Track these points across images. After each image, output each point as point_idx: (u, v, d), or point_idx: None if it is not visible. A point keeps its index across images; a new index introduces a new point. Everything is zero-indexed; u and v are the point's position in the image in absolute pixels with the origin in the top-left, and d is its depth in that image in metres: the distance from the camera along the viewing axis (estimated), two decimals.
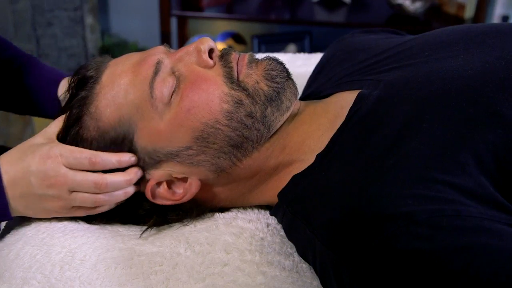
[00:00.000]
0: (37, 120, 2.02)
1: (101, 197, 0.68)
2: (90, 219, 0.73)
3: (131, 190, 0.70)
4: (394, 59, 0.74)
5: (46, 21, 2.19)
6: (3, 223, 0.80)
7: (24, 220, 0.76)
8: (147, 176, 0.70)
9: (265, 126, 0.69)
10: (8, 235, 0.74)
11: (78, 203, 0.69)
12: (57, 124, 0.71)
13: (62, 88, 0.89)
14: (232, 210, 0.76)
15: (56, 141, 0.70)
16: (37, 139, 0.70)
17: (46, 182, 0.66)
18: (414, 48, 0.74)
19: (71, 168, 0.67)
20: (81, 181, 0.67)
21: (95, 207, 0.70)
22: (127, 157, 0.69)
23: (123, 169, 0.69)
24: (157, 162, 0.69)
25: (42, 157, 0.67)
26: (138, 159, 0.69)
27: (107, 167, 0.68)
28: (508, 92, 0.60)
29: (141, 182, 0.71)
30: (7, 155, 0.69)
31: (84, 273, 0.65)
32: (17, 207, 0.69)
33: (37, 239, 0.70)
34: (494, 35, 0.70)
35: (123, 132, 0.68)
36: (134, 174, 0.69)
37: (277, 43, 2.31)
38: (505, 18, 2.14)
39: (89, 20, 2.25)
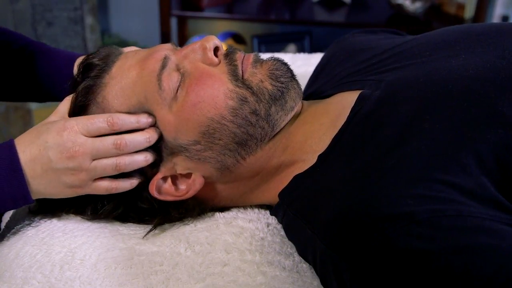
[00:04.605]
0: (37, 120, 2.02)
1: (121, 161, 0.67)
2: (96, 212, 0.73)
3: (150, 157, 0.69)
4: (395, 59, 0.74)
5: (46, 21, 2.18)
6: (3, 223, 0.80)
7: (24, 220, 0.76)
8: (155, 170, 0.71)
9: (269, 125, 0.70)
10: (8, 234, 0.74)
11: (99, 172, 0.67)
12: (66, 102, 0.72)
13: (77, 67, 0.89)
14: (232, 209, 0.76)
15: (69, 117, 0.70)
16: (51, 118, 0.70)
17: (65, 154, 0.65)
18: (415, 48, 0.74)
19: (89, 136, 0.66)
20: (100, 145, 0.66)
21: (115, 181, 0.69)
22: (144, 118, 0.68)
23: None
24: (169, 154, 0.70)
25: (58, 130, 0.66)
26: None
27: (126, 127, 0.67)
28: (509, 92, 0.60)
29: (149, 173, 0.71)
30: (22, 136, 0.68)
31: (84, 273, 0.65)
32: (38, 187, 0.67)
33: (37, 238, 0.70)
34: (494, 35, 0.70)
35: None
36: (153, 132, 0.68)
37: (277, 43, 2.31)
38: (505, 18, 2.14)
39: (89, 20, 2.25)
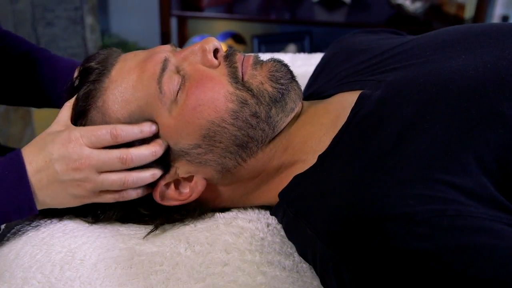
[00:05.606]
0: (37, 120, 2.02)
1: (129, 179, 0.67)
2: (97, 216, 0.73)
3: (158, 172, 0.69)
4: (395, 59, 0.74)
5: (46, 21, 2.18)
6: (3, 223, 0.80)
7: (25, 220, 0.76)
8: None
9: (269, 127, 0.69)
10: (8, 234, 0.74)
11: (106, 186, 0.67)
12: (67, 109, 0.71)
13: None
14: (232, 210, 0.76)
15: (72, 125, 0.69)
16: (54, 127, 0.70)
17: (71, 166, 0.65)
18: (415, 49, 0.74)
19: (94, 148, 0.66)
20: (106, 159, 0.66)
21: (122, 192, 0.69)
22: (147, 126, 0.68)
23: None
24: (171, 160, 0.69)
25: (63, 142, 0.66)
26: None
27: (130, 138, 0.67)
28: (509, 92, 0.60)
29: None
30: (28, 146, 0.68)
31: (84, 273, 0.65)
32: (44, 198, 0.67)
33: (37, 238, 0.71)
34: (494, 35, 0.70)
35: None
36: (158, 145, 0.68)
37: (277, 43, 2.31)
38: (505, 18, 2.14)
39: (89, 20, 2.25)
